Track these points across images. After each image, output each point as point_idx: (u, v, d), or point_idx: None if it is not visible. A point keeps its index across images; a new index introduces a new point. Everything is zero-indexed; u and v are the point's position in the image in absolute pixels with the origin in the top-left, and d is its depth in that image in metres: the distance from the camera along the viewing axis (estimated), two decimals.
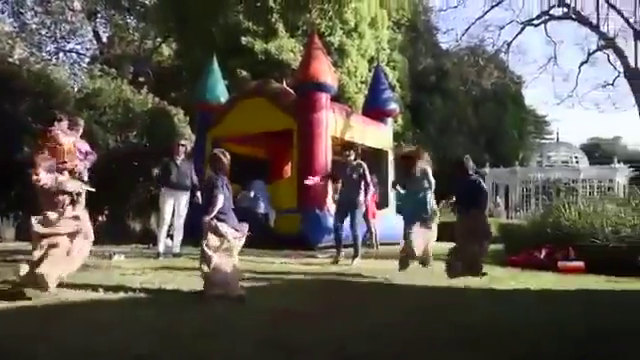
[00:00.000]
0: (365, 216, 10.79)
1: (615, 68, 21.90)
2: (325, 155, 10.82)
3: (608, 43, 20.55)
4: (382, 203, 12.62)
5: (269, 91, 12.03)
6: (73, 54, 23.60)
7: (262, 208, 10.72)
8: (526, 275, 6.89)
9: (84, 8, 21.23)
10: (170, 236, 8.70)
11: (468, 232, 5.98)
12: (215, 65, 13.31)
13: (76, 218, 4.71)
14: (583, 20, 20.88)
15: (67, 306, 4.12)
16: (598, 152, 38.99)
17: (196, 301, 4.39)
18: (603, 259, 7.19)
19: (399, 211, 14.59)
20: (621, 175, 23.18)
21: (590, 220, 8.28)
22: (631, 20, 19.74)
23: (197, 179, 8.39)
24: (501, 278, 6.50)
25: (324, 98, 11.10)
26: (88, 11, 21.68)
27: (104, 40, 24.82)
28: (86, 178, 6.90)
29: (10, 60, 13.16)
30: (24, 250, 6.73)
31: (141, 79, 23.16)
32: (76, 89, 13.81)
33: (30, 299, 4.23)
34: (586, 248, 7.61)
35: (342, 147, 8.73)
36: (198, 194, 7.92)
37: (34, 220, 4.60)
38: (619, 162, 23.66)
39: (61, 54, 22.59)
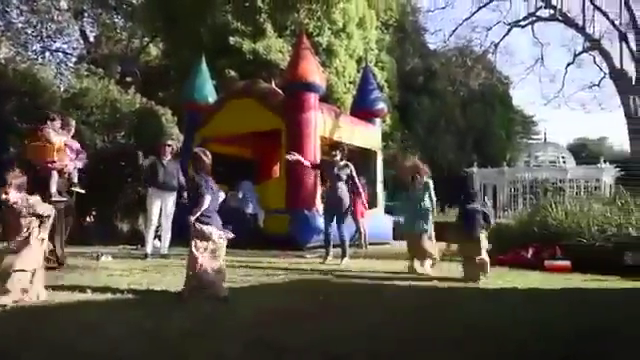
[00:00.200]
0: (354, 216, 10.83)
1: (601, 69, 22.16)
2: (314, 155, 10.81)
3: (594, 44, 20.76)
4: (371, 203, 12.63)
5: (257, 91, 12.01)
6: (60, 53, 23.39)
7: (251, 208, 10.70)
8: (513, 274, 6.93)
9: (71, 7, 21.05)
10: (158, 237, 8.66)
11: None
12: (203, 65, 13.27)
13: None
14: (569, 22, 21.09)
15: (54, 307, 4.09)
16: (585, 152, 39.33)
17: (184, 302, 4.37)
18: (589, 258, 7.25)
19: (389, 212, 14.67)
20: (607, 175, 23.36)
21: (577, 219, 8.35)
22: (616, 22, 19.98)
23: (184, 179, 8.35)
24: (489, 277, 6.54)
25: (312, 98, 11.11)
26: (75, 10, 21.49)
27: (91, 39, 24.63)
28: (76, 179, 6.86)
29: None
30: None
31: (128, 79, 23.01)
32: (62, 89, 13.69)
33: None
34: (572, 247, 7.68)
35: (330, 147, 8.72)
36: (185, 194, 7.90)
37: None
38: (605, 162, 23.85)
39: (47, 53, 22.39)
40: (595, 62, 22.41)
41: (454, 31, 23.20)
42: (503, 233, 9.62)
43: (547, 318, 4.07)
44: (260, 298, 4.82)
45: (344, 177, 8.00)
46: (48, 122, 6.62)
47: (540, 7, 21.41)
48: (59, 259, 6.44)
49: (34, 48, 21.21)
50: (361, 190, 10.26)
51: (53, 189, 6.48)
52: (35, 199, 4.64)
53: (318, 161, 9.92)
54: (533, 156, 26.38)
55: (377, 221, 12.71)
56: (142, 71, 23.85)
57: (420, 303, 4.77)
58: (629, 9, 19.24)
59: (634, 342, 3.29)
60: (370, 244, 11.44)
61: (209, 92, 13.13)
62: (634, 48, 19.13)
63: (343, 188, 7.98)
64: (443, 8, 23.30)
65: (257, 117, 11.41)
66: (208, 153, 4.97)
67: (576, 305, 4.75)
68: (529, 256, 7.93)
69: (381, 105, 14.38)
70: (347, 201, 8.06)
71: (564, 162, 25.09)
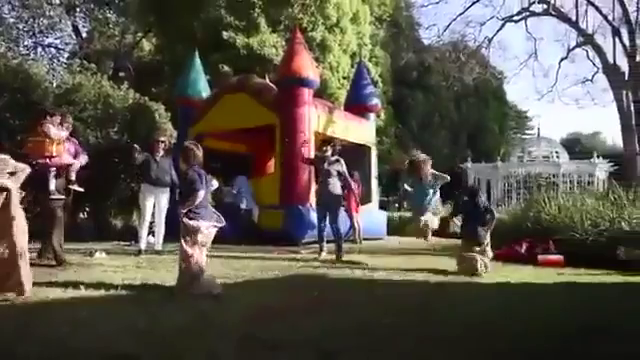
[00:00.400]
0: (348, 211, 10.85)
1: (594, 64, 22.21)
2: (308, 150, 10.80)
3: (587, 39, 20.81)
4: (365, 198, 12.65)
5: (251, 86, 11.97)
6: (52, 49, 23.20)
7: (245, 204, 10.69)
8: (507, 269, 6.96)
9: (63, 2, 20.87)
10: (152, 233, 8.64)
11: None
12: (197, 60, 13.22)
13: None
14: (563, 17, 21.12)
15: (48, 304, 4.08)
16: (578, 147, 39.52)
17: (178, 298, 4.37)
18: (582, 253, 7.29)
19: (383, 207, 14.69)
20: (600, 170, 23.50)
21: (570, 214, 8.39)
22: (609, 17, 20.01)
23: (176, 176, 8.29)
24: (482, 271, 6.58)
25: (306, 93, 11.09)
26: (67, 5, 21.32)
27: (83, 35, 24.47)
28: (74, 177, 6.79)
29: None
30: None
31: (121, 74, 22.90)
32: (55, 84, 13.58)
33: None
34: (566, 242, 7.72)
35: (322, 142, 8.72)
36: (177, 192, 7.88)
37: None
38: (598, 157, 23.99)
39: (39, 49, 22.20)
40: (588, 57, 22.48)
41: (448, 26, 23.19)
42: (497, 228, 9.64)
43: (540, 314, 4.09)
44: (254, 294, 4.82)
45: (335, 172, 8.00)
46: (47, 117, 6.57)
47: (533, 2, 21.43)
48: (57, 258, 6.39)
49: (26, 43, 21.05)
50: (353, 186, 10.29)
51: (52, 187, 6.43)
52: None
53: (312, 156, 9.92)
54: (527, 151, 26.52)
55: (371, 217, 12.73)
56: (135, 66, 23.74)
57: (415, 298, 4.79)
58: (622, 4, 19.28)
59: (627, 337, 3.31)
60: (364, 239, 11.45)
61: (203, 87, 13.09)
62: (627, 43, 19.19)
63: (334, 183, 7.98)
64: (437, 3, 23.19)
65: (251, 112, 11.38)
66: (199, 146, 4.95)
67: (569, 300, 4.78)
68: (523, 251, 7.97)
69: (375, 100, 14.37)
70: (339, 196, 8.06)
71: (557, 157, 25.23)
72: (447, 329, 3.46)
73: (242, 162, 12.89)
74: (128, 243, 9.44)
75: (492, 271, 6.47)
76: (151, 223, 8.49)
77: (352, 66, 18.78)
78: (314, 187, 9.84)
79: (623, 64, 19.68)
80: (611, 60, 19.89)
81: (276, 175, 11.27)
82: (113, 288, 4.65)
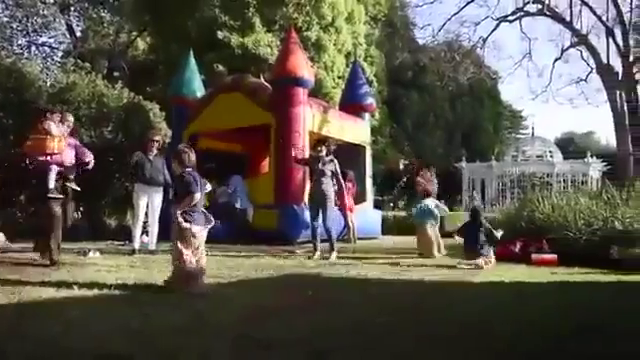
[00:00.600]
0: (342, 211, 10.85)
1: (588, 64, 22.33)
2: (303, 150, 10.80)
3: (581, 40, 20.89)
4: (360, 197, 12.67)
5: (246, 86, 11.96)
6: (46, 48, 23.14)
7: (240, 203, 10.68)
8: (501, 268, 6.99)
9: (57, 1, 20.81)
10: (146, 232, 8.62)
11: None
12: (191, 59, 13.20)
13: None
14: (557, 17, 21.19)
15: (40, 303, 4.06)
16: (572, 147, 39.61)
17: (172, 297, 4.36)
18: (576, 252, 7.32)
19: (377, 206, 14.70)
20: (594, 169, 23.55)
21: (563, 214, 8.41)
22: (603, 17, 20.09)
23: (169, 176, 8.25)
24: (477, 271, 6.62)
25: (301, 93, 11.09)
26: (61, 4, 21.26)
27: (78, 34, 24.41)
28: (72, 175, 6.74)
29: None
30: None
31: (116, 73, 22.86)
32: (49, 83, 13.54)
33: None
34: (559, 241, 7.74)
35: (316, 142, 8.74)
36: (171, 192, 7.85)
37: None
38: (592, 156, 24.05)
39: (33, 48, 22.14)
40: (582, 57, 22.59)
41: (443, 26, 23.25)
42: (491, 226, 9.69)
43: (534, 313, 4.10)
44: (248, 293, 4.81)
45: (328, 172, 8.02)
46: (48, 115, 6.52)
47: (528, 2, 21.51)
48: (51, 258, 6.34)
49: (19, 42, 20.98)
50: (347, 185, 10.30)
51: (51, 185, 6.36)
52: None
53: (307, 156, 9.92)
54: (521, 150, 26.54)
55: (366, 216, 12.74)
56: (129, 66, 23.70)
57: (409, 297, 4.79)
58: (616, 4, 19.38)
59: (621, 337, 3.32)
60: (359, 239, 11.47)
61: (197, 87, 13.07)
62: (620, 43, 19.26)
63: (327, 183, 8.00)
64: (431, 3, 23.27)
65: (246, 112, 11.37)
66: (192, 149, 4.97)
67: (563, 299, 4.79)
68: (516, 250, 7.98)
69: (370, 100, 14.40)
70: (331, 196, 8.07)
71: (551, 156, 25.26)
72: (441, 328, 3.46)
73: (237, 162, 12.88)
74: (122, 243, 9.41)
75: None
76: (145, 223, 8.47)
77: (347, 66, 18.80)
78: (308, 186, 9.86)
79: (617, 64, 19.80)
80: (605, 60, 19.97)
81: (271, 175, 11.27)
82: (106, 288, 4.63)
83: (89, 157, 7.16)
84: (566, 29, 21.57)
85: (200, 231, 4.63)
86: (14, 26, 20.00)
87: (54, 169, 6.44)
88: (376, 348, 2.95)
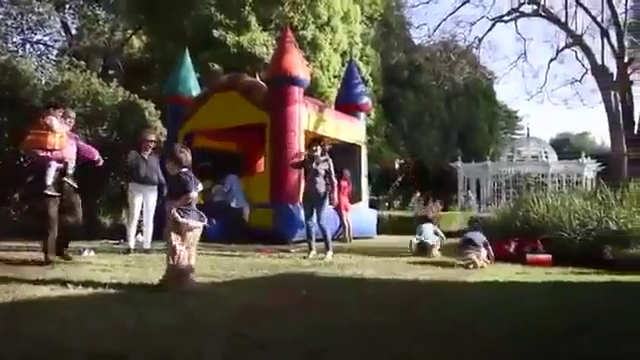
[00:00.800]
0: (338, 210, 10.87)
1: (583, 65, 22.34)
2: (298, 149, 10.81)
3: (576, 40, 20.93)
4: (355, 197, 12.68)
5: (242, 85, 11.96)
6: (41, 46, 23.01)
7: (236, 202, 10.67)
8: (496, 267, 7.01)
9: None
10: (140, 231, 8.61)
11: None
12: (187, 58, 13.19)
13: None
14: (552, 17, 21.22)
15: (35, 302, 4.05)
16: (567, 147, 39.78)
17: (166, 296, 4.35)
18: (570, 252, 7.34)
19: (373, 206, 14.71)
20: (589, 170, 23.66)
21: (558, 214, 8.43)
22: (598, 18, 20.15)
23: (163, 176, 8.21)
24: (472, 271, 6.64)
25: (297, 92, 11.10)
26: (56, 2, 21.17)
27: (73, 32, 24.32)
28: (70, 171, 6.63)
29: None
30: None
31: (111, 72, 22.80)
32: (44, 81, 13.50)
33: None
34: (554, 241, 7.76)
35: (311, 141, 8.75)
36: (165, 191, 7.84)
37: None
38: (587, 157, 24.14)
39: (28, 46, 22.02)
40: (577, 58, 22.62)
41: (438, 26, 23.17)
42: (486, 227, 9.72)
43: (529, 313, 4.12)
44: (243, 293, 4.81)
45: (322, 172, 8.04)
46: (50, 110, 6.43)
47: (523, 3, 21.51)
48: (46, 256, 6.29)
49: (14, 40, 20.88)
50: (343, 184, 10.31)
51: (49, 181, 6.26)
52: None
53: (302, 158, 9.93)
54: (516, 151, 26.64)
55: (361, 215, 12.76)
56: (125, 64, 23.63)
57: (404, 297, 4.80)
58: (610, 6, 19.42)
59: (614, 337, 3.33)
60: (354, 238, 11.48)
61: (193, 85, 13.06)
62: (615, 44, 19.32)
63: (321, 182, 8.02)
64: (427, 3, 23.18)
65: (241, 111, 11.38)
66: (187, 149, 5.00)
67: (557, 300, 4.81)
68: (511, 249, 8.00)
69: (365, 99, 14.42)
70: (324, 195, 8.08)
71: (546, 157, 25.37)
72: (436, 328, 3.46)
73: (233, 161, 12.88)
74: (117, 242, 9.39)
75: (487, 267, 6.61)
76: (140, 222, 8.46)
77: (343, 65, 18.81)
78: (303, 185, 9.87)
79: (611, 65, 19.82)
80: (600, 61, 20.02)
81: (266, 174, 11.27)
82: (101, 287, 4.62)
83: (96, 155, 7.13)
84: (561, 30, 21.61)
85: (195, 226, 4.64)
86: (9, 23, 19.92)
87: (54, 165, 6.35)
88: (371, 348, 2.95)
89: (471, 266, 6.94)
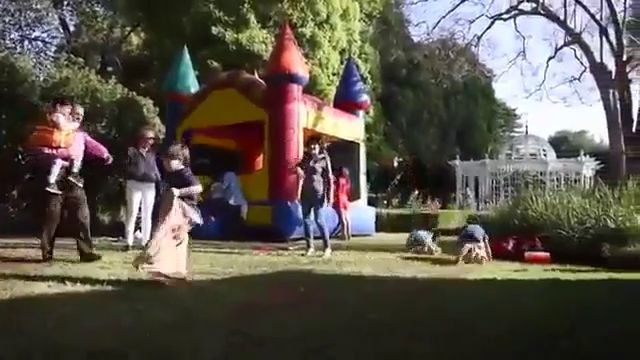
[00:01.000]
0: (337, 208, 10.87)
1: (581, 63, 22.38)
2: (297, 147, 10.80)
3: (574, 38, 20.94)
4: (354, 195, 12.68)
5: (240, 82, 11.94)
6: (39, 42, 22.94)
7: (234, 200, 10.66)
8: (494, 265, 7.02)
9: None
10: (139, 228, 8.60)
11: None
12: (185, 55, 13.16)
13: None
14: (551, 15, 21.23)
15: (32, 299, 4.04)
16: (565, 145, 39.80)
17: (164, 294, 4.35)
18: (568, 250, 7.36)
19: (371, 203, 14.70)
20: (587, 168, 23.69)
21: (556, 212, 8.45)
22: (597, 16, 20.15)
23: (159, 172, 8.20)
24: (470, 267, 6.65)
25: (295, 89, 11.08)
26: None
27: (71, 28, 24.27)
28: (76, 169, 6.51)
29: None
30: None
31: (109, 69, 22.75)
32: (42, 78, 13.48)
33: None
34: (552, 239, 7.78)
35: (309, 139, 8.74)
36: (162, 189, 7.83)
37: None
38: (585, 155, 24.17)
39: (26, 42, 21.97)
40: (576, 56, 22.66)
41: (437, 23, 23.35)
42: (484, 225, 9.73)
43: (527, 311, 4.12)
44: (241, 290, 4.81)
45: (319, 169, 8.04)
46: (57, 106, 6.28)
47: (522, 0, 21.54)
48: (43, 253, 6.26)
49: (12, 37, 20.82)
50: (341, 182, 10.30)
51: (52, 179, 6.17)
52: None
53: (301, 154, 9.92)
54: (514, 149, 26.66)
55: (360, 213, 12.76)
56: (123, 61, 23.60)
57: (402, 295, 4.80)
58: (609, 4, 19.43)
59: (612, 336, 3.34)
60: (353, 236, 11.48)
61: (191, 82, 13.04)
62: (614, 42, 19.33)
63: (318, 180, 8.02)
64: (426, 0, 23.26)
65: (240, 108, 11.36)
66: (185, 147, 5.10)
67: (556, 297, 4.82)
68: (510, 247, 8.01)
69: (364, 97, 14.39)
70: (322, 193, 8.08)
71: (545, 155, 25.39)
72: (434, 326, 3.47)
73: (231, 158, 12.86)
74: (115, 239, 9.38)
75: (475, 266, 6.61)
76: (138, 219, 8.45)
77: (341, 62, 18.78)
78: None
79: (610, 63, 19.85)
80: (598, 59, 20.03)
81: (265, 171, 11.26)
82: (99, 284, 4.62)
83: (105, 152, 7.08)
84: (560, 28, 21.63)
85: (196, 220, 4.75)
86: (7, 20, 19.86)
87: (59, 163, 6.25)
88: (369, 345, 2.95)
89: (473, 259, 7.03)
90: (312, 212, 8.06)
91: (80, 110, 6.87)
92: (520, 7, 21.83)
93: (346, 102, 13.76)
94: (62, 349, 2.75)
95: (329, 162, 8.20)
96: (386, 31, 30.23)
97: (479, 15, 22.29)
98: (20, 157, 11.63)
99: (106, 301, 4.09)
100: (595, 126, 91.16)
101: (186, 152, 4.97)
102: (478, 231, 7.50)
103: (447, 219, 15.76)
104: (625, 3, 19.52)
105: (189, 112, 12.28)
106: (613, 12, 19.37)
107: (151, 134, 8.84)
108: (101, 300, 4.14)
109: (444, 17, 23.21)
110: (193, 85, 13.02)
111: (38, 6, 19.54)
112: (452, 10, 22.32)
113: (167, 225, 4.62)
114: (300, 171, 8.25)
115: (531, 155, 25.81)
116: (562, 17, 20.86)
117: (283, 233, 10.03)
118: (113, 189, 12.33)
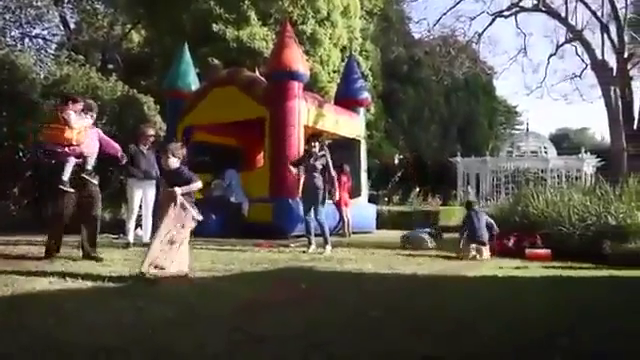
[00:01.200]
0: (337, 205, 10.87)
1: (582, 60, 22.32)
2: (297, 144, 10.80)
3: (576, 36, 20.89)
4: (355, 192, 12.67)
5: (241, 79, 11.94)
6: (39, 40, 22.87)
7: (235, 197, 10.67)
8: (495, 262, 7.02)
9: None
10: (140, 226, 8.61)
11: None
12: (186, 52, 13.15)
13: None
14: (552, 12, 21.18)
15: (34, 295, 4.05)
16: (566, 142, 39.77)
17: (165, 291, 4.36)
18: (569, 247, 7.36)
19: (372, 201, 14.71)
20: (588, 165, 23.67)
21: (557, 209, 8.45)
22: (598, 13, 20.09)
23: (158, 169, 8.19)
24: (472, 265, 6.65)
25: (296, 87, 11.08)
26: None
27: (71, 26, 24.25)
28: (90, 167, 6.47)
29: None
30: None
31: (110, 66, 22.75)
32: (42, 76, 13.48)
33: None
34: (553, 236, 7.78)
35: (310, 137, 8.75)
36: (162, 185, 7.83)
37: None
38: (586, 152, 24.15)
39: (27, 40, 21.93)
40: (577, 53, 22.59)
41: (438, 20, 23.20)
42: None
43: (528, 308, 4.12)
44: (242, 287, 4.81)
45: (320, 167, 8.05)
46: (69, 103, 6.21)
47: None
48: (48, 250, 6.23)
49: (13, 34, 20.77)
50: (342, 179, 10.30)
51: (65, 177, 6.10)
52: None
53: (301, 152, 9.91)
54: (515, 146, 26.65)
55: (361, 210, 12.76)
56: (124, 58, 23.59)
57: (403, 292, 4.80)
58: (611, 0, 19.38)
59: (613, 334, 3.33)
60: (353, 233, 11.48)
61: (192, 80, 13.03)
62: (615, 39, 19.29)
63: (319, 177, 8.03)
64: None
65: (241, 105, 11.36)
66: (183, 146, 5.18)
67: (556, 295, 4.82)
68: (510, 245, 8.02)
69: (365, 94, 14.38)
70: (323, 190, 8.09)
71: (546, 152, 25.37)
72: (434, 323, 3.47)
73: (232, 155, 12.86)
74: (116, 236, 9.39)
75: (476, 264, 6.62)
76: (139, 216, 8.47)
77: (342, 60, 18.75)
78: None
79: (611, 60, 19.80)
80: (599, 56, 19.99)
81: (266, 168, 11.26)
82: (100, 280, 4.63)
83: (119, 151, 7.05)
84: (561, 25, 21.57)
85: (196, 218, 4.81)
86: (7, 17, 19.80)
87: (71, 161, 6.16)
88: (369, 342, 2.95)
89: (477, 257, 7.24)
90: (313, 209, 8.07)
91: (94, 107, 6.80)
92: (521, 4, 21.77)
93: (347, 99, 13.75)
94: (63, 345, 2.76)
95: (329, 159, 8.20)
96: (387, 28, 30.18)
97: (480, 12, 22.24)
98: (21, 154, 11.64)
99: (107, 298, 4.09)
100: (596, 123, 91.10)
101: (184, 151, 5.01)
102: (483, 228, 7.70)
103: (448, 216, 15.74)
104: (626, 0, 19.47)
105: (190, 110, 12.27)
106: (614, 9, 19.32)
107: (152, 132, 8.85)
108: (102, 297, 4.15)
109: (445, 14, 23.19)
110: (194, 82, 13.02)
111: (38, 3, 19.48)
112: (453, 7, 22.27)
113: (168, 225, 4.62)
114: (294, 169, 8.26)
115: (532, 152, 25.80)
116: (563, 14, 20.80)
117: (284, 230, 10.04)
118: (114, 186, 12.33)
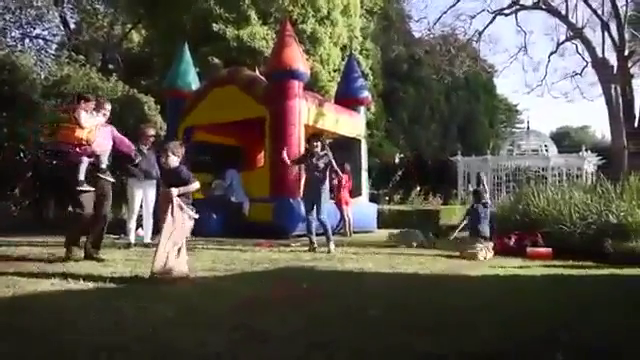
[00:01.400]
0: (338, 204, 10.87)
1: (583, 58, 22.32)
2: (298, 143, 10.80)
3: (576, 34, 20.88)
4: (355, 191, 12.67)
5: (241, 79, 11.94)
6: (39, 40, 22.93)
7: (236, 197, 10.67)
8: (496, 261, 7.03)
9: None
10: (140, 226, 8.62)
11: None
12: (186, 52, 13.15)
13: None
14: (553, 10, 21.17)
15: (35, 296, 4.05)
16: (567, 140, 39.73)
17: (167, 290, 4.36)
18: (570, 245, 7.36)
19: (373, 200, 14.69)
20: (589, 163, 23.63)
21: (558, 207, 8.45)
22: (599, 11, 20.09)
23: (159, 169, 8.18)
24: (472, 264, 6.65)
25: (297, 86, 11.07)
26: None
27: (72, 26, 24.26)
28: (104, 165, 6.47)
29: None
30: None
31: (110, 66, 22.74)
32: (43, 76, 13.49)
33: None
34: (554, 234, 7.78)
35: (311, 136, 8.74)
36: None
37: None
38: (587, 150, 24.12)
39: (27, 40, 21.97)
40: (577, 51, 22.59)
41: (439, 19, 23.29)
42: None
43: (528, 306, 4.13)
44: (244, 286, 4.82)
45: (322, 166, 8.05)
46: (81, 102, 6.18)
47: None
48: (67, 251, 6.18)
49: (13, 34, 20.81)
50: (343, 179, 10.30)
51: (81, 177, 6.09)
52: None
53: (302, 151, 9.91)
54: (516, 144, 26.58)
55: (362, 209, 12.76)
56: (124, 58, 23.59)
57: (404, 291, 4.80)
58: None
59: (613, 332, 3.34)
60: (354, 232, 11.48)
61: (192, 79, 13.03)
62: (616, 37, 19.28)
63: (320, 177, 8.03)
64: None
65: (241, 105, 11.36)
66: (182, 145, 5.20)
67: (557, 293, 4.82)
68: (512, 243, 8.02)
69: (365, 93, 14.38)
70: (325, 189, 8.09)
71: (546, 150, 25.31)
72: (435, 320, 3.47)
73: (232, 155, 12.87)
74: (117, 236, 9.39)
75: (477, 263, 6.62)
76: (139, 216, 8.47)
77: (343, 59, 18.73)
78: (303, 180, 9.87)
79: (612, 58, 19.79)
80: (600, 54, 19.98)
81: (266, 168, 11.26)
82: (102, 281, 4.63)
83: (132, 150, 7.05)
84: (562, 23, 21.56)
85: (194, 217, 4.85)
86: (7, 18, 19.83)
87: (85, 161, 6.15)
88: (371, 340, 2.95)
89: (479, 256, 7.22)
90: (314, 209, 8.07)
91: (107, 105, 6.74)
92: (521, 2, 21.76)
93: (347, 98, 13.75)
94: (65, 346, 2.76)
95: (332, 158, 8.20)
96: (387, 27, 30.16)
97: (480, 10, 22.25)
98: (22, 155, 11.65)
99: (109, 298, 4.09)
100: (597, 121, 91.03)
101: (183, 150, 5.03)
102: (485, 224, 7.86)
103: (449, 215, 15.72)
104: None
105: (190, 110, 12.27)
106: (615, 7, 19.30)
107: (152, 131, 8.85)
108: (104, 297, 4.15)
109: (445, 12, 23.20)
110: (194, 82, 13.02)
111: (39, 4, 19.51)
112: (453, 5, 22.30)
113: (169, 226, 4.63)
114: (287, 161, 8.34)
115: (533, 151, 25.75)
116: (564, 12, 20.79)
117: (285, 230, 10.04)
118: (114, 186, 12.33)
